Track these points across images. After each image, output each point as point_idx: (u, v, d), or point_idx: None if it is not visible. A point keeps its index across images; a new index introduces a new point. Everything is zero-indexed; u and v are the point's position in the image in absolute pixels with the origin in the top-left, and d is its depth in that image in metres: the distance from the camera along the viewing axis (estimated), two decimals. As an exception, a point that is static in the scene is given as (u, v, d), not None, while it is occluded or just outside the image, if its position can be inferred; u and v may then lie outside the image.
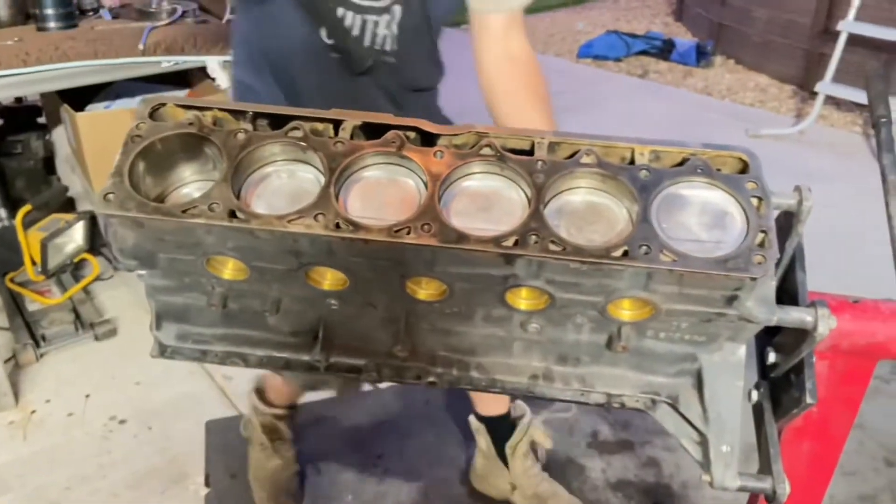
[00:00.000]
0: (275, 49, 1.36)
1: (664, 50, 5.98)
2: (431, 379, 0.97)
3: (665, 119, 4.58)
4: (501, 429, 1.81)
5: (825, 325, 0.81)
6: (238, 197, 0.84)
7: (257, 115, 0.90)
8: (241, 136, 0.86)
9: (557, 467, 1.98)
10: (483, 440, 1.82)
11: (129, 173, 0.83)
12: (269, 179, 0.87)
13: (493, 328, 0.93)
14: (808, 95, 4.94)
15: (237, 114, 0.90)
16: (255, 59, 1.40)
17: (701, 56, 5.86)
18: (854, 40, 4.41)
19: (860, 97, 4.03)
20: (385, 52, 1.35)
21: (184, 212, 0.80)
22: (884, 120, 1.08)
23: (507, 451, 1.79)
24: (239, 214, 0.80)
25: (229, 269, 0.88)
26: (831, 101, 4.63)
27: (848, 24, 4.37)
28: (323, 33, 1.33)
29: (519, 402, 1.83)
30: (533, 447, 1.81)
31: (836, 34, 4.45)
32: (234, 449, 2.06)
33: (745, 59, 5.80)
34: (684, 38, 6.16)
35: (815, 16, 5.07)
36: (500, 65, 1.37)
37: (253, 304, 0.92)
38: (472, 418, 1.86)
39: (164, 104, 0.90)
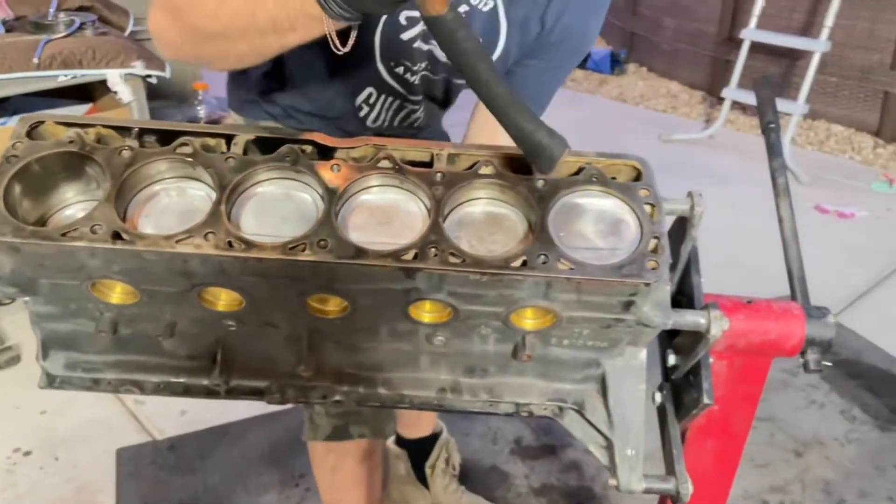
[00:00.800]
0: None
1: (579, 58, 6.11)
2: (338, 398, 0.95)
3: (582, 126, 4.67)
4: (420, 450, 1.79)
5: (718, 326, 0.83)
6: (124, 217, 0.80)
7: (144, 132, 0.87)
8: (125, 153, 0.82)
9: (480, 476, 1.98)
10: (402, 465, 1.79)
11: (5, 196, 0.79)
12: (158, 198, 0.84)
13: (399, 343, 0.91)
14: (717, 101, 5.12)
15: (123, 130, 0.87)
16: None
17: (615, 64, 6.01)
18: (756, 47, 4.60)
19: (763, 102, 4.21)
20: (413, 126, 1.30)
21: (63, 235, 0.76)
22: (772, 126, 1.12)
23: (427, 470, 1.77)
24: (124, 235, 0.77)
25: (117, 293, 0.84)
26: (738, 105, 4.81)
27: (750, 32, 4.56)
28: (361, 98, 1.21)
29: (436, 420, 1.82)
30: (448, 461, 1.80)
31: (740, 42, 4.63)
32: (147, 476, 1.98)
33: (657, 67, 5.98)
34: (599, 47, 6.31)
35: (719, 24, 5.26)
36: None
37: (145, 328, 0.88)
38: (390, 444, 1.82)
39: (42, 122, 0.85)
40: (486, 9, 1.08)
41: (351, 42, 0.78)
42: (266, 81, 1.19)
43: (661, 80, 5.84)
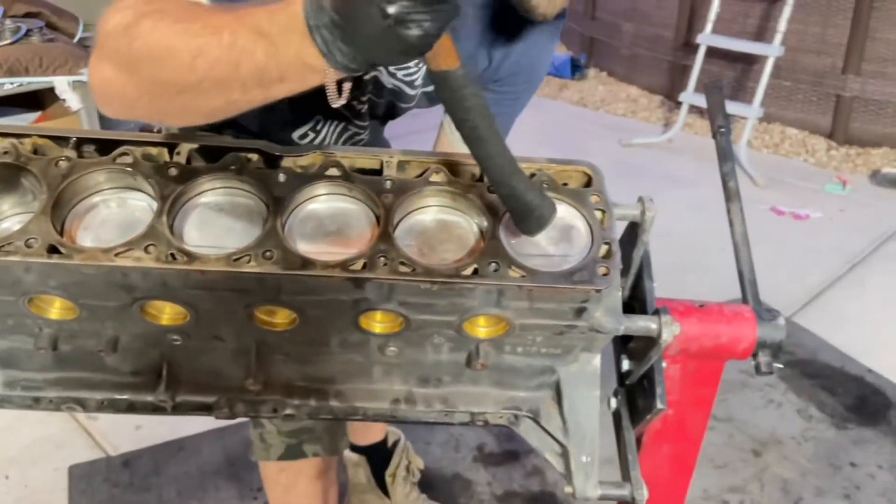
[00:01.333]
0: None
1: (540, 63, 6.14)
2: (289, 411, 0.93)
3: (543, 131, 4.70)
4: (379, 457, 1.77)
5: (669, 331, 0.83)
6: (62, 230, 0.78)
7: (82, 141, 0.84)
8: (63, 163, 0.80)
9: (444, 484, 1.97)
10: (363, 473, 1.77)
11: (-64, 210, 0.76)
12: (97, 210, 0.81)
13: (351, 354, 0.90)
14: (675, 105, 5.19)
15: (60, 140, 0.84)
16: None
17: (575, 69, 6.05)
18: (713, 52, 4.67)
19: (719, 106, 4.26)
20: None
21: (-4, 249, 0.73)
22: (722, 130, 1.13)
23: (388, 479, 1.75)
24: (60, 249, 0.74)
25: (56, 309, 0.81)
26: (695, 109, 4.87)
27: (706, 37, 4.62)
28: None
29: (392, 427, 1.80)
30: (408, 469, 1.79)
31: (697, 47, 4.70)
32: (101, 494, 1.93)
33: (617, 72, 6.03)
34: (559, 52, 6.35)
35: (676, 29, 5.33)
36: None
37: (87, 344, 0.85)
38: (348, 453, 1.80)
39: (-26, 132, 0.82)
40: None
41: (346, 94, 0.72)
42: None
43: (620, 85, 5.89)
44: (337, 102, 0.71)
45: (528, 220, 0.75)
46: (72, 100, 2.31)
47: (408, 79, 1.11)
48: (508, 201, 0.74)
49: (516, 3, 0.81)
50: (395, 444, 1.78)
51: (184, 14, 0.71)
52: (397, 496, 1.77)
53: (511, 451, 2.10)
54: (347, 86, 0.72)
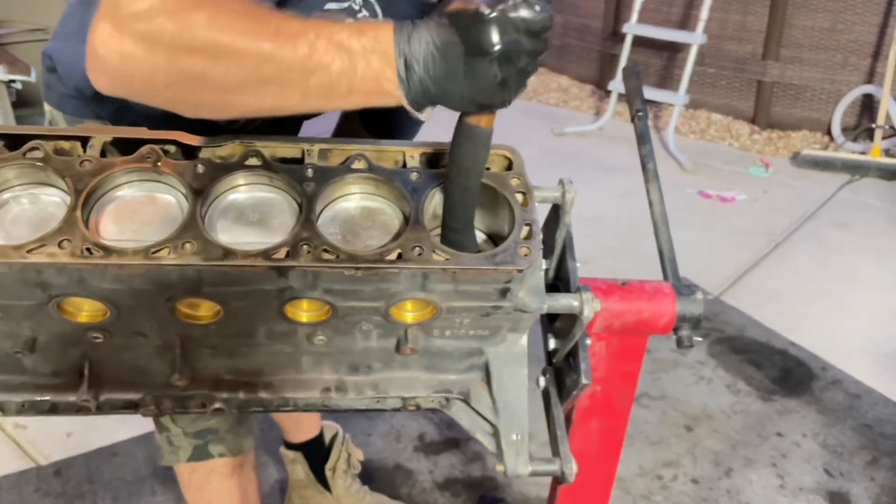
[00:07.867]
0: None
1: (473, 55, 6.16)
2: (218, 405, 0.92)
3: (477, 121, 4.74)
4: (317, 452, 1.76)
5: (590, 307, 0.86)
6: (-30, 229, 0.75)
7: (-10, 137, 0.81)
8: (-32, 160, 0.77)
9: (385, 475, 1.97)
10: (300, 469, 1.75)
11: None
12: (8, 207, 0.79)
13: (278, 345, 0.89)
14: (605, 94, 5.29)
15: (-36, 137, 0.81)
16: None
17: (507, 60, 6.12)
18: (639, 41, 4.77)
19: (647, 94, 4.36)
20: None
21: None
22: (640, 114, 1.16)
23: (328, 473, 1.74)
24: (-32, 248, 0.72)
25: (-33, 310, 0.79)
26: (625, 98, 4.99)
27: (631, 27, 4.73)
28: None
29: (328, 421, 1.79)
30: (348, 461, 1.78)
31: (624, 36, 4.80)
32: (33, 504, 1.87)
33: (548, 62, 6.11)
34: (491, 44, 6.39)
35: (604, 19, 5.44)
36: None
37: (3, 345, 0.83)
38: (283, 450, 1.79)
39: None
40: None
41: (430, 114, 0.74)
42: None
43: (551, 75, 5.97)
44: (422, 117, 0.74)
45: (456, 235, 0.80)
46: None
47: None
48: (451, 234, 0.80)
49: None
50: (333, 438, 1.77)
51: (247, 13, 0.68)
52: (338, 489, 1.76)
53: (451, 438, 2.11)
54: (429, 110, 0.74)
